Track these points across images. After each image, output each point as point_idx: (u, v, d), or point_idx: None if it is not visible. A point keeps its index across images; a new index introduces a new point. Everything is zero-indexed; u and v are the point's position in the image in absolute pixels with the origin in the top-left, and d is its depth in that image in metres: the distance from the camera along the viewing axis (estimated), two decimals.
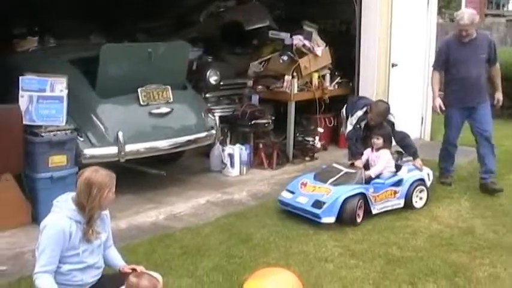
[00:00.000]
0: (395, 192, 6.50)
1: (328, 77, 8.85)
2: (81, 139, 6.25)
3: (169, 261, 5.17)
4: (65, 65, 6.74)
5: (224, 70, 8.79)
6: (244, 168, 7.93)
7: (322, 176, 6.43)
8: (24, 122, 5.79)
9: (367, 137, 6.98)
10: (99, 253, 4.25)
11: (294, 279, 4.28)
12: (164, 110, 6.84)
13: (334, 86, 8.96)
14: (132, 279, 3.77)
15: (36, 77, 5.91)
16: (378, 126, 6.80)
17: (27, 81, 5.89)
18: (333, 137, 9.19)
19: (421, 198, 6.71)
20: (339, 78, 9.10)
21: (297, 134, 8.52)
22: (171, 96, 6.94)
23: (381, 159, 6.61)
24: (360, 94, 9.00)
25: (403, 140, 7.08)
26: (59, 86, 5.91)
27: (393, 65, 9.18)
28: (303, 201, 6.16)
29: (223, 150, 7.87)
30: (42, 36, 7.87)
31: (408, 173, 6.72)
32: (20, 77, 5.88)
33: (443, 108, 7.47)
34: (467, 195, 7.17)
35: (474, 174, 8.09)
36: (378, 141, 6.65)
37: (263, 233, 5.87)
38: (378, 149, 6.67)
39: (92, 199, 3.99)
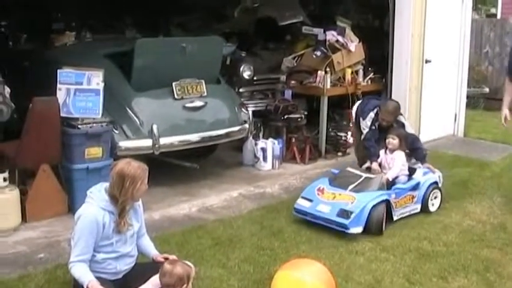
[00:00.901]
0: (413, 197, 6.24)
1: (361, 72, 8.85)
2: (117, 131, 6.35)
3: (201, 252, 5.26)
4: (101, 59, 6.84)
5: (257, 65, 8.86)
6: (277, 163, 7.97)
7: (340, 182, 6.10)
8: (61, 114, 5.91)
9: (379, 139, 6.70)
10: (132, 242, 4.35)
11: (325, 271, 4.32)
12: (198, 103, 6.91)
13: (367, 81, 8.95)
14: (166, 266, 3.85)
15: (73, 71, 6.02)
16: (392, 127, 6.62)
17: (65, 75, 6.00)
18: None
19: (434, 203, 6.46)
20: (372, 73, 9.08)
21: (330, 129, 8.55)
22: (205, 90, 7.01)
23: (396, 161, 6.37)
24: (393, 90, 9.02)
25: (414, 143, 6.76)
26: (96, 79, 6.01)
27: (427, 61, 9.15)
28: (325, 209, 5.79)
29: (256, 144, 7.92)
30: (79, 31, 8.01)
31: (424, 176, 6.45)
32: (58, 70, 6.00)
33: (509, 119, 6.76)
34: (500, 192, 7.14)
35: (507, 170, 8.07)
36: (394, 141, 6.40)
37: (294, 226, 5.92)
38: (392, 151, 6.43)
39: (124, 191, 4.08)
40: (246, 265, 5.03)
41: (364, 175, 6.16)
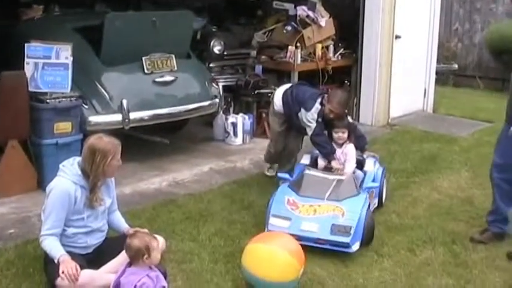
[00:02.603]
0: (373, 192, 5.65)
1: (331, 48, 8.86)
2: (86, 106, 6.29)
3: (172, 226, 5.28)
4: (70, 33, 6.76)
5: (228, 40, 8.82)
6: (247, 137, 8.00)
7: (309, 190, 5.25)
8: (29, 89, 5.85)
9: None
10: (103, 218, 4.37)
11: (295, 242, 4.37)
12: (168, 78, 6.87)
13: (337, 57, 8.97)
14: (127, 240, 3.89)
15: (41, 44, 5.94)
16: (339, 119, 5.82)
17: (33, 49, 5.92)
18: None
19: (384, 193, 5.97)
20: (342, 49, 9.10)
21: None
22: (175, 65, 6.97)
23: (349, 156, 5.76)
24: (363, 65, 9.05)
25: (356, 131, 6.17)
26: (64, 53, 5.94)
27: (397, 37, 9.18)
28: (312, 228, 4.89)
29: (226, 119, 7.93)
30: (47, 4, 7.88)
31: (375, 167, 5.92)
32: (26, 44, 5.92)
33: None
34: (467, 166, 7.25)
35: (475, 145, 8.19)
36: (344, 135, 5.80)
37: (264, 199, 5.92)
38: (341, 144, 5.82)
39: (95, 166, 4.08)
40: (217, 238, 5.07)
41: (332, 177, 5.40)
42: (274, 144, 6.51)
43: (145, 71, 6.75)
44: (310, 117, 5.83)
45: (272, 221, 5.00)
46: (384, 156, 7.35)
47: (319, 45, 8.64)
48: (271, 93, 8.12)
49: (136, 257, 3.81)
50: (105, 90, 6.47)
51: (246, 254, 4.30)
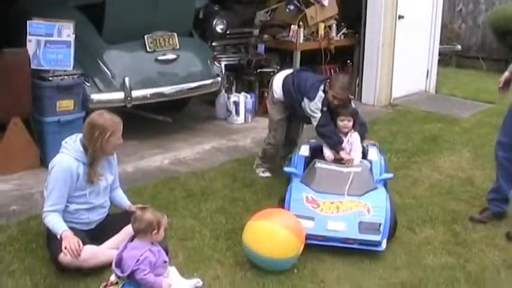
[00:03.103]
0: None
1: (334, 27, 8.83)
2: (88, 84, 6.31)
3: (173, 203, 5.31)
4: (72, 10, 6.76)
5: (231, 19, 8.80)
6: (249, 116, 8.01)
7: (326, 185, 4.88)
8: (32, 67, 5.85)
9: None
10: (105, 195, 4.40)
11: (295, 220, 4.40)
12: (170, 56, 6.89)
13: (340, 36, 8.95)
14: (137, 212, 3.89)
15: (43, 22, 5.93)
16: (343, 105, 5.44)
17: (35, 26, 5.91)
18: None
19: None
20: (345, 29, 9.08)
21: None
22: (177, 43, 6.98)
23: (355, 145, 5.41)
24: (366, 45, 9.03)
25: (358, 118, 5.69)
26: (66, 31, 5.94)
27: (400, 17, 9.15)
28: (339, 227, 4.52)
29: (228, 98, 7.94)
30: None
31: (377, 156, 5.52)
32: (28, 22, 5.91)
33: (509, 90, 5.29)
34: (468, 147, 7.25)
35: (477, 126, 8.20)
36: (349, 123, 5.41)
37: (266, 178, 5.99)
38: (346, 133, 5.44)
39: (94, 141, 4.11)
40: (218, 216, 5.10)
41: (347, 170, 5.04)
42: (274, 134, 5.96)
43: (148, 49, 6.75)
44: (314, 107, 5.43)
45: None
46: (386, 136, 7.38)
47: (322, 25, 8.61)
48: (273, 72, 8.14)
49: (146, 230, 3.80)
50: (107, 68, 6.49)
51: (246, 230, 4.33)
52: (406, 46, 9.36)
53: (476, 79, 11.74)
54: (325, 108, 5.42)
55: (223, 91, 7.91)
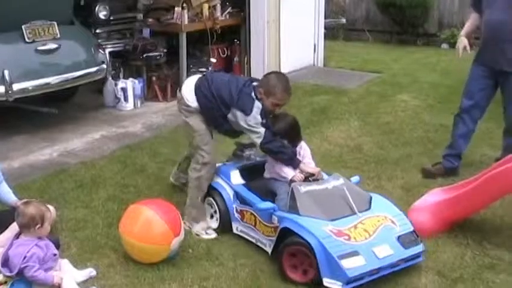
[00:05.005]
0: None
1: (218, 7, 8.80)
2: None
3: (64, 195, 5.21)
4: None
5: (113, 4, 8.61)
6: (139, 102, 7.92)
7: (333, 209, 4.08)
8: None
9: None
10: None
11: (173, 209, 4.30)
12: (51, 46, 6.71)
13: (225, 16, 8.93)
14: (20, 206, 3.80)
15: None
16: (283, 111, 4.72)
17: None
18: (227, 67, 9.22)
19: None
20: (230, 8, 9.07)
21: (191, 66, 8.52)
22: (58, 32, 6.80)
23: (305, 150, 4.69)
24: (252, 24, 9.05)
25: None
26: None
27: None
28: (388, 251, 3.91)
29: (116, 85, 7.81)
30: None
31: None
32: None
33: (468, 51, 5.51)
34: (356, 116, 7.46)
35: (364, 95, 8.43)
36: None
37: (157, 162, 5.96)
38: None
39: None
40: (110, 203, 5.05)
41: (335, 185, 4.29)
42: (206, 149, 4.63)
43: (27, 39, 6.55)
44: (253, 122, 4.40)
45: (345, 264, 3.74)
46: None
47: (206, 5, 8.57)
48: (160, 55, 8.09)
49: (28, 225, 3.72)
50: None
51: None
52: (291, 22, 9.47)
53: (363, 51, 12.04)
54: (264, 121, 4.46)
55: (110, 78, 7.78)
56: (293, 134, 4.58)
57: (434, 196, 4.76)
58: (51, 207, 4.21)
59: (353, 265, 3.74)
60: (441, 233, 4.50)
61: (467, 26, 5.67)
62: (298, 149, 4.60)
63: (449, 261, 4.21)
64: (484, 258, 4.24)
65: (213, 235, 4.57)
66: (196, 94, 4.61)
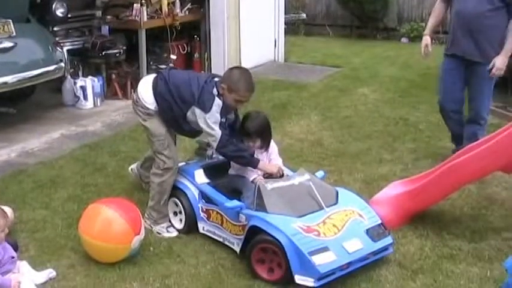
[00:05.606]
0: None
1: (178, 3, 8.76)
2: None
3: (22, 196, 5.13)
4: None
5: (71, 2, 8.49)
6: (98, 100, 7.84)
7: (300, 205, 4.05)
8: None
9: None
10: None
11: (133, 208, 4.25)
12: (7, 44, 6.58)
13: (184, 12, 8.89)
14: None
15: None
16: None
17: None
18: (187, 63, 9.18)
19: None
20: (189, 4, 9.04)
21: (151, 62, 8.48)
22: (14, 30, 6.69)
23: (273, 147, 4.70)
24: (211, 20, 9.05)
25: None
26: None
27: None
28: (358, 245, 3.90)
29: (75, 83, 7.72)
30: None
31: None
32: None
33: (429, 50, 5.62)
34: (317, 110, 7.51)
35: (324, 90, 8.48)
36: (256, 143, 4.54)
37: (117, 160, 5.92)
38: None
39: None
40: (70, 203, 4.99)
41: (301, 181, 4.25)
42: (167, 153, 4.47)
43: None
44: (211, 121, 4.23)
45: (316, 260, 3.71)
46: None
47: (165, 2, 8.51)
48: (119, 53, 8.01)
49: None
50: None
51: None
52: (251, 18, 9.50)
53: (324, 45, 12.13)
54: (224, 119, 4.33)
55: (69, 76, 7.69)
56: (266, 133, 4.56)
57: (394, 189, 4.80)
58: (9, 209, 4.16)
59: (324, 261, 3.73)
60: (401, 226, 4.54)
61: (432, 21, 5.69)
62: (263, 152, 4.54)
63: (410, 253, 4.23)
64: (443, 249, 4.28)
65: (174, 233, 4.51)
66: (154, 95, 4.44)
